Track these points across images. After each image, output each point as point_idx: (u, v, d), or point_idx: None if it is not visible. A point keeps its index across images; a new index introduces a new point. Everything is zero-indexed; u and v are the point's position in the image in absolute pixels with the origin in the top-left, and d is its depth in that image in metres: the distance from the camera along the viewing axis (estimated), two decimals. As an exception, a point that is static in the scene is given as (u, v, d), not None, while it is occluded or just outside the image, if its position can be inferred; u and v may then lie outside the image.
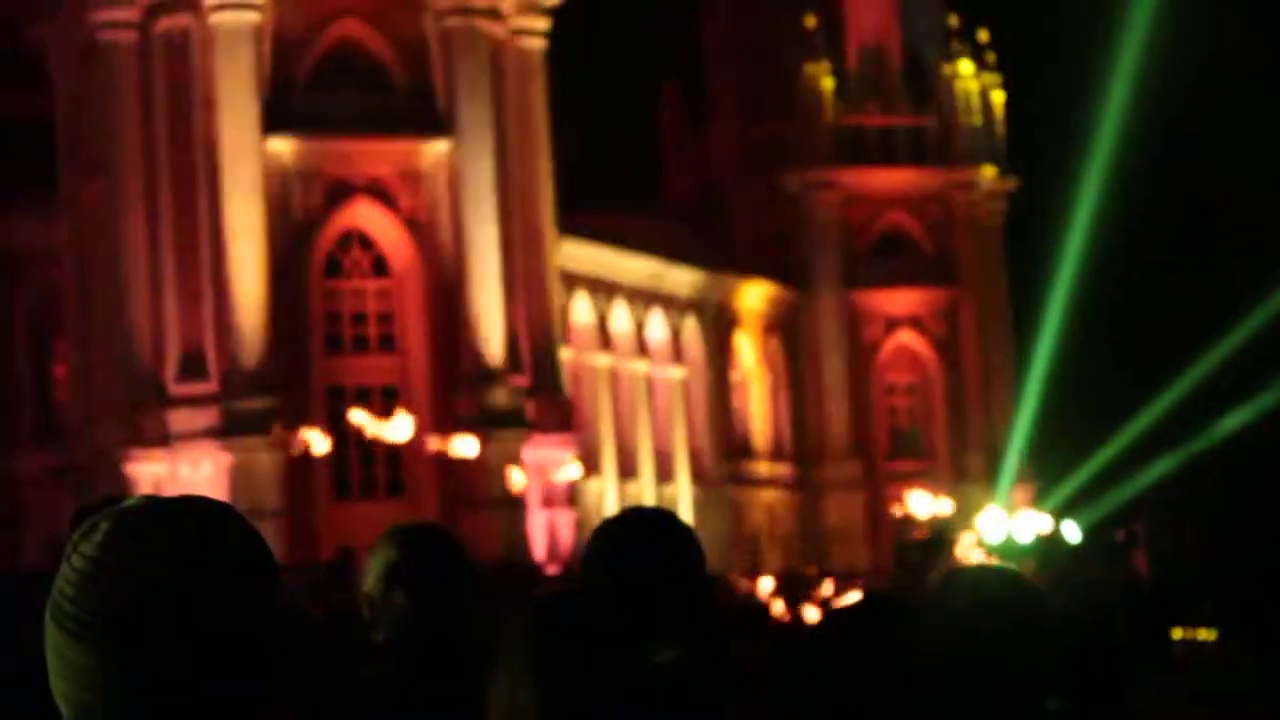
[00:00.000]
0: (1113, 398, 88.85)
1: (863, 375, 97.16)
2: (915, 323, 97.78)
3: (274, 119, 72.09)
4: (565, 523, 72.78)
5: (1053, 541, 77.95)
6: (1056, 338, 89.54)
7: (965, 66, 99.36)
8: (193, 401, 69.40)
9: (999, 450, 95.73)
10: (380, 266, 74.00)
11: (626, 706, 4.15)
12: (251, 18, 71.92)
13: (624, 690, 4.15)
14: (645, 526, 5.87)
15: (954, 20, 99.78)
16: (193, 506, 2.63)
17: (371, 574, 6.68)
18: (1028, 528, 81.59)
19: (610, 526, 5.92)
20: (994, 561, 58.15)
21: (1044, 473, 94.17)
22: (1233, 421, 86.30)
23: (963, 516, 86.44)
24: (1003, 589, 5.37)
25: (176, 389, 69.45)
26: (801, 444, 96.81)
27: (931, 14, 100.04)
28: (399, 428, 69.46)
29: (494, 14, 74.76)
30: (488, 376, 72.97)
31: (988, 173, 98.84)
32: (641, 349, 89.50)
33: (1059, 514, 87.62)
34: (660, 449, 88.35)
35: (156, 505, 2.62)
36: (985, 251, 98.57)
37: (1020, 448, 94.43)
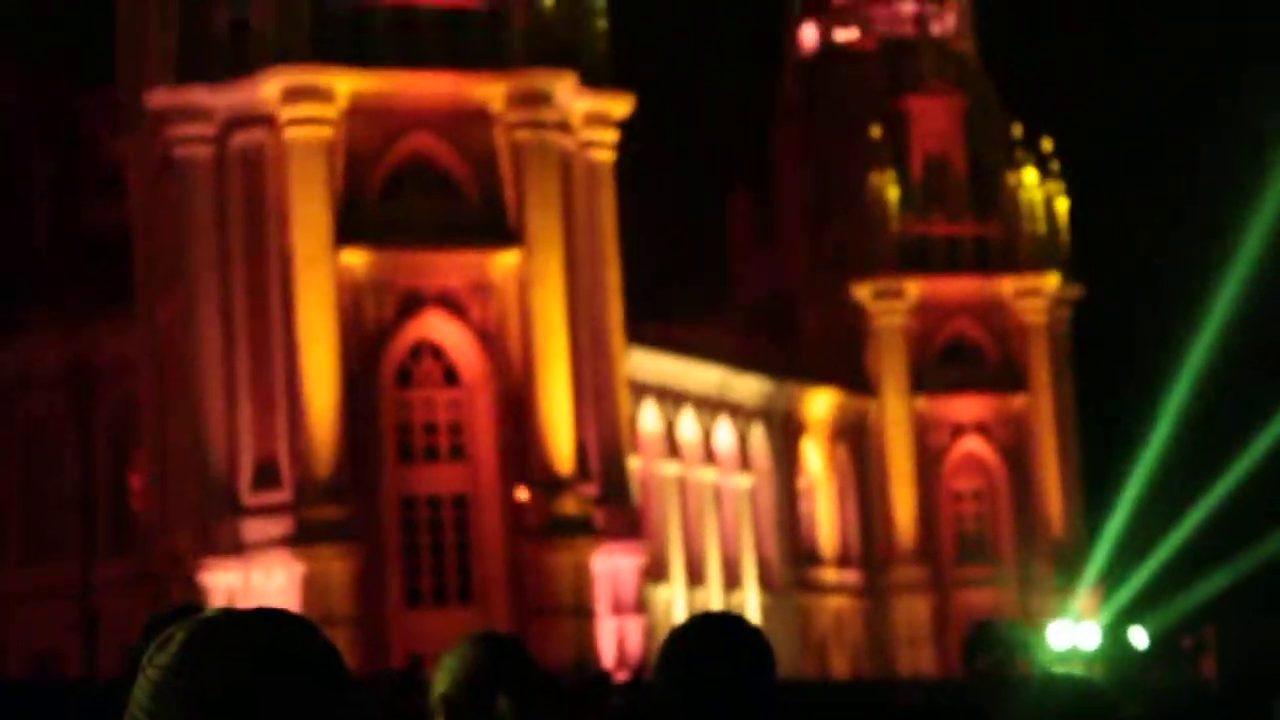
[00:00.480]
0: (1179, 501, 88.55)
1: (929, 481, 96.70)
2: (982, 429, 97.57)
3: (346, 231, 72.15)
4: (634, 630, 72.36)
5: (1121, 647, 77.32)
6: (1132, 446, 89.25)
7: (1029, 175, 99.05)
8: (266, 511, 69.34)
9: (1065, 556, 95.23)
10: (451, 376, 74.02)
11: None
12: (324, 132, 72.14)
13: None
14: (716, 632, 5.68)
15: (1018, 130, 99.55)
16: (266, 618, 2.63)
17: (451, 678, 6.42)
18: (1094, 634, 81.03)
19: (681, 632, 5.71)
20: (1065, 669, 57.55)
21: (1111, 577, 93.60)
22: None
23: (1029, 621, 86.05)
24: (1081, 700, 5.34)
25: (250, 499, 69.33)
26: (868, 550, 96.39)
27: (995, 124, 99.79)
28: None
29: (563, 127, 74.83)
30: (557, 485, 72.90)
31: (1052, 280, 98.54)
32: (709, 457, 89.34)
33: (1126, 619, 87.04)
34: (728, 556, 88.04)
35: (230, 617, 2.63)
36: (1052, 358, 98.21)
37: (1093, 555, 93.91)
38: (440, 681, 6.35)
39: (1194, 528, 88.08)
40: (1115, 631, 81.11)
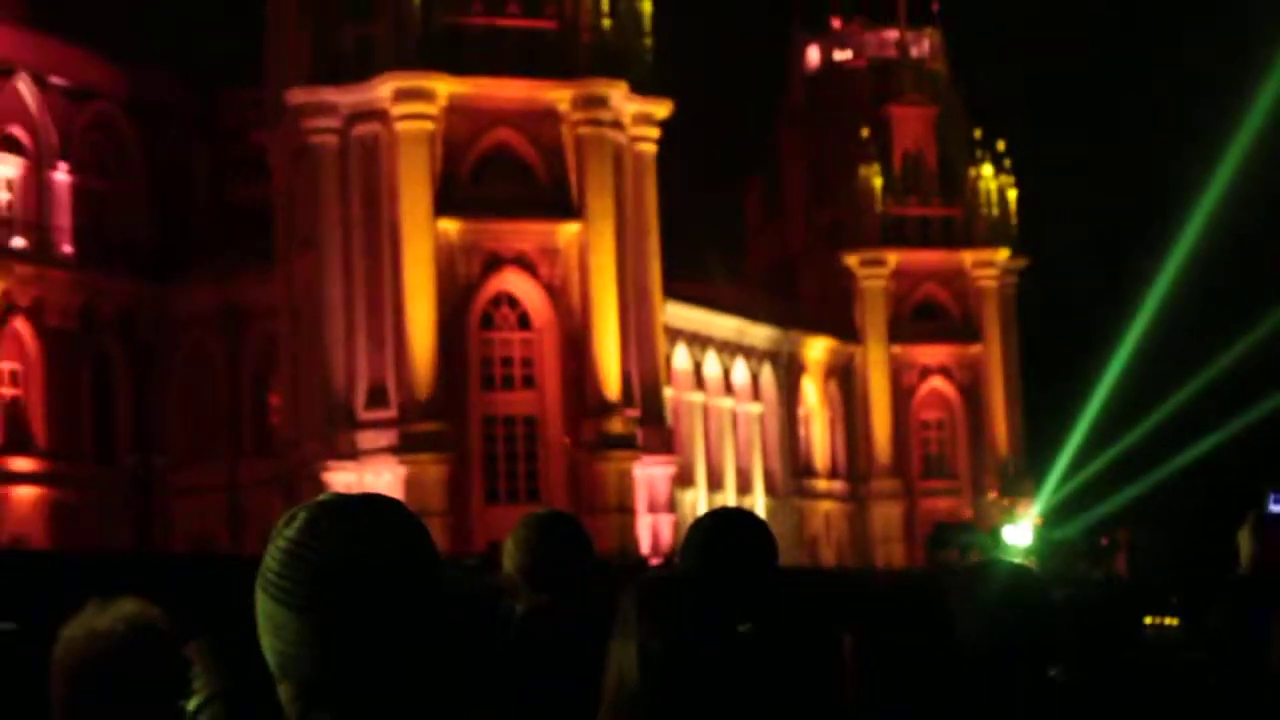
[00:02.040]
0: (1108, 424, 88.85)
1: (902, 413, 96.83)
2: (944, 371, 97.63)
3: (443, 205, 72.31)
4: (665, 525, 72.87)
5: (1051, 543, 77.84)
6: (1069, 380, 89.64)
7: (987, 169, 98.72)
8: (377, 425, 69.83)
9: (1008, 472, 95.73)
10: (524, 322, 74.26)
11: (710, 664, 4.19)
12: (427, 125, 72.37)
13: (709, 652, 4.21)
14: (731, 520, 5.85)
15: (978, 133, 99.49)
16: (374, 501, 2.82)
17: (511, 556, 6.43)
18: (1029, 533, 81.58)
19: (702, 521, 5.84)
20: (1007, 559, 57.92)
21: (1047, 488, 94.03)
22: (1205, 446, 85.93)
23: (980, 524, 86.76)
24: (1017, 582, 5.43)
25: (364, 415, 69.77)
26: (852, 465, 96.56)
27: (960, 128, 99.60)
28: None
29: (616, 124, 75.01)
30: (607, 409, 73.35)
31: (1002, 253, 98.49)
32: (728, 389, 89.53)
33: (1057, 521, 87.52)
34: (740, 468, 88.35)
35: (346, 499, 2.82)
36: (1001, 316, 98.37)
37: (1033, 470, 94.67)
38: (508, 559, 6.25)
39: (1116, 452, 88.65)
40: (1048, 532, 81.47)
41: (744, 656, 4.46)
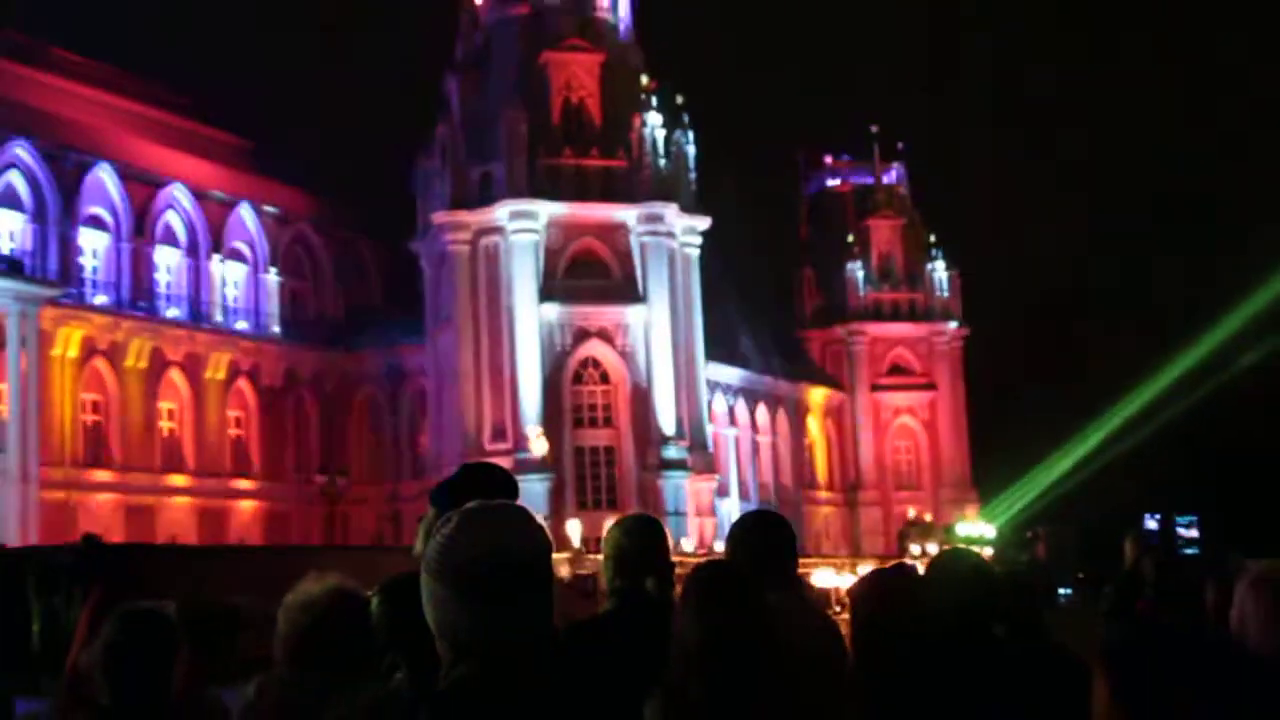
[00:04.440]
0: (1033, 450, 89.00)
1: (880, 442, 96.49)
2: (911, 411, 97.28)
3: (544, 294, 72.32)
4: (709, 526, 72.60)
5: (998, 537, 78.41)
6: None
7: (940, 264, 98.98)
8: (498, 454, 69.48)
9: (958, 484, 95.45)
10: (604, 378, 74.01)
11: (747, 626, 4.24)
12: (533, 237, 72.38)
13: (746, 616, 4.28)
14: (764, 520, 5.88)
15: (932, 238, 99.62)
16: (503, 509, 2.97)
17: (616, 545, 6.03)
18: (978, 528, 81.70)
19: (746, 520, 5.89)
20: (961, 548, 58.06)
21: (989, 496, 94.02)
22: (1098, 469, 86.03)
23: (938, 521, 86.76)
24: (969, 563, 5.52)
25: (489, 446, 69.03)
26: (844, 481, 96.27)
27: (919, 235, 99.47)
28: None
29: (669, 235, 74.86)
30: (664, 440, 73.30)
31: (951, 326, 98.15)
32: (753, 426, 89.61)
33: (994, 520, 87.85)
34: (762, 483, 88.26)
35: (482, 507, 2.94)
36: (950, 370, 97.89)
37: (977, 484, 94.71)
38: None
39: (1036, 471, 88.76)
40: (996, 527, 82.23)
41: (770, 621, 4.46)
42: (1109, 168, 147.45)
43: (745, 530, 5.74)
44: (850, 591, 5.72)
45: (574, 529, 60.95)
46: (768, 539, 5.64)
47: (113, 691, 4.58)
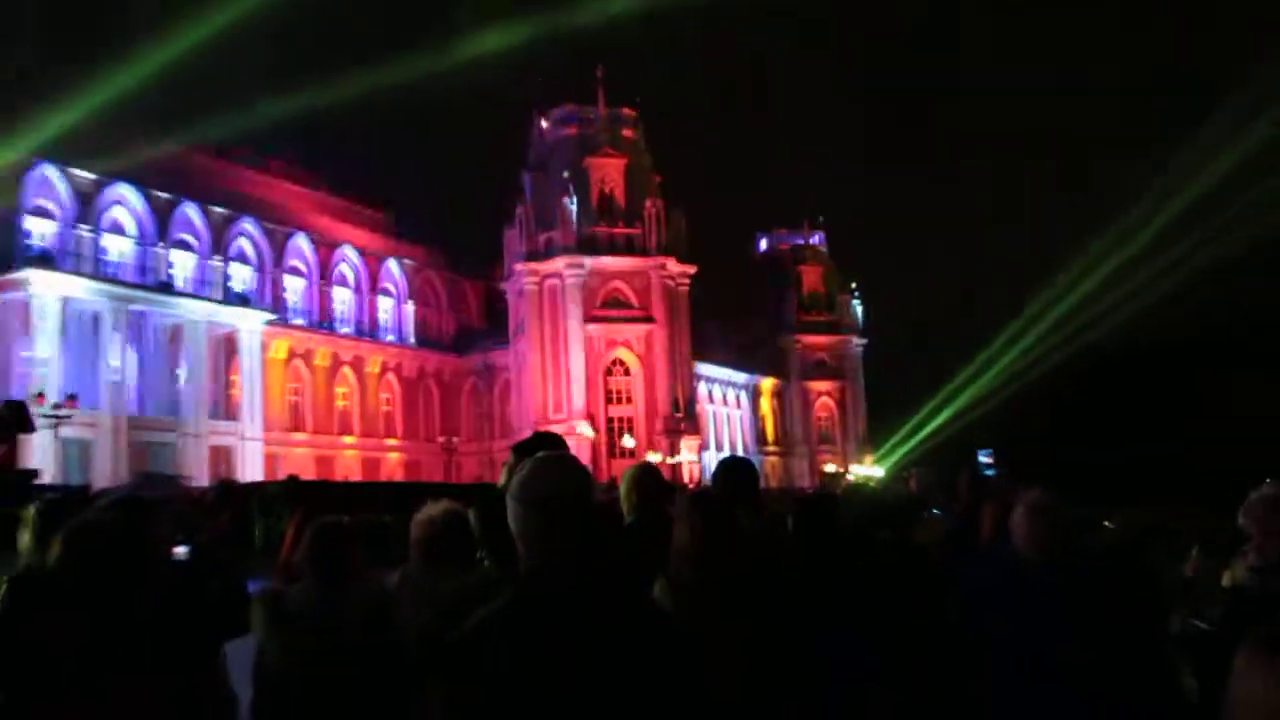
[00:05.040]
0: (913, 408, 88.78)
1: (807, 415, 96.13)
2: (829, 395, 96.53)
3: (588, 317, 72.64)
4: (696, 469, 72.29)
5: (882, 477, 77.84)
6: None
7: (853, 302, 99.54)
8: (557, 422, 68.86)
9: (862, 441, 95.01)
10: (626, 372, 74.24)
11: (722, 532, 4.06)
12: (581, 279, 72.66)
13: (721, 525, 4.10)
14: (738, 462, 5.54)
15: (852, 283, 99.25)
16: (563, 456, 2.81)
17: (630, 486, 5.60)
18: (873, 471, 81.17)
19: (724, 462, 5.60)
20: (860, 480, 57.66)
21: (880, 447, 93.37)
22: (949, 420, 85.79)
23: (846, 468, 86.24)
24: (870, 491, 5.31)
25: (551, 417, 68.99)
26: (785, 441, 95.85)
27: (838, 277, 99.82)
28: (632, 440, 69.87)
29: (671, 277, 75.10)
30: (668, 416, 73.50)
31: (856, 338, 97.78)
32: (725, 402, 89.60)
33: (884, 463, 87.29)
34: (731, 441, 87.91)
35: (550, 455, 2.78)
36: (853, 366, 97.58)
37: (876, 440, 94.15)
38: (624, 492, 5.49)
39: (911, 429, 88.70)
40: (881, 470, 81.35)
41: (746, 534, 4.32)
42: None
43: (724, 470, 5.58)
44: (793, 511, 5.47)
45: (608, 473, 60.81)
46: (739, 475, 5.47)
47: (315, 572, 4.38)
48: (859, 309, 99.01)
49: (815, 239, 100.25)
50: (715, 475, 5.78)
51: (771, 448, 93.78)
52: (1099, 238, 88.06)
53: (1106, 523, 9.53)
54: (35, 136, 53.44)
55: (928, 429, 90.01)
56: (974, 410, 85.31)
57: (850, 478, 75.50)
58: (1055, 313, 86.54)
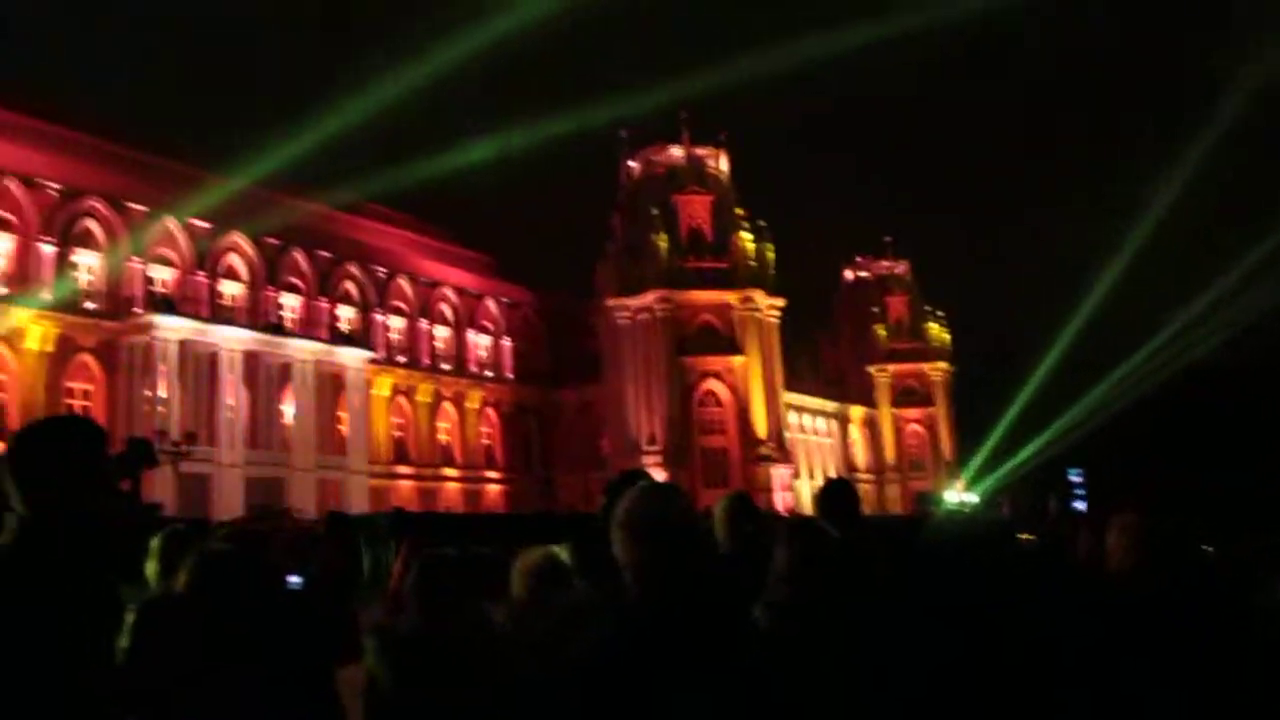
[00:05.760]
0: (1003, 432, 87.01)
1: (900, 442, 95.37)
2: (919, 422, 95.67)
3: (679, 349, 72.92)
4: (790, 498, 71.78)
5: (974, 503, 76.59)
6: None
7: (935, 327, 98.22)
8: (650, 452, 70.20)
9: (950, 467, 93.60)
10: (717, 403, 74.16)
11: (823, 561, 4.00)
12: (671, 312, 73.03)
13: (822, 555, 4.02)
14: (835, 484, 5.75)
15: (933, 311, 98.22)
16: (665, 486, 2.91)
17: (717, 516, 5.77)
18: (965, 496, 79.98)
19: (823, 487, 5.67)
20: (954, 506, 56.99)
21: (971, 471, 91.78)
22: (1037, 450, 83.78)
23: (938, 494, 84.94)
24: (963, 519, 5.25)
25: (644, 448, 69.98)
26: (877, 466, 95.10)
27: (922, 307, 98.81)
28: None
29: (758, 309, 75.07)
30: (759, 443, 73.18)
31: (944, 364, 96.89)
32: (815, 431, 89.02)
33: (976, 488, 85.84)
34: (824, 469, 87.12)
35: (651, 485, 2.85)
36: (945, 394, 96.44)
37: (963, 466, 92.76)
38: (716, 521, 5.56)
39: (1000, 454, 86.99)
40: (973, 495, 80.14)
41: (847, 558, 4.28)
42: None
43: (824, 493, 5.63)
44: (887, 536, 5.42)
45: (702, 503, 60.47)
46: (839, 498, 5.52)
47: (422, 603, 4.41)
48: (946, 335, 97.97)
49: (900, 268, 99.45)
50: (817, 498, 5.72)
51: (863, 475, 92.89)
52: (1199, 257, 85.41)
53: (1208, 548, 9.06)
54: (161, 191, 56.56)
55: (1023, 453, 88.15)
56: (1068, 434, 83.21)
57: (942, 504, 74.43)
58: (1156, 336, 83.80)
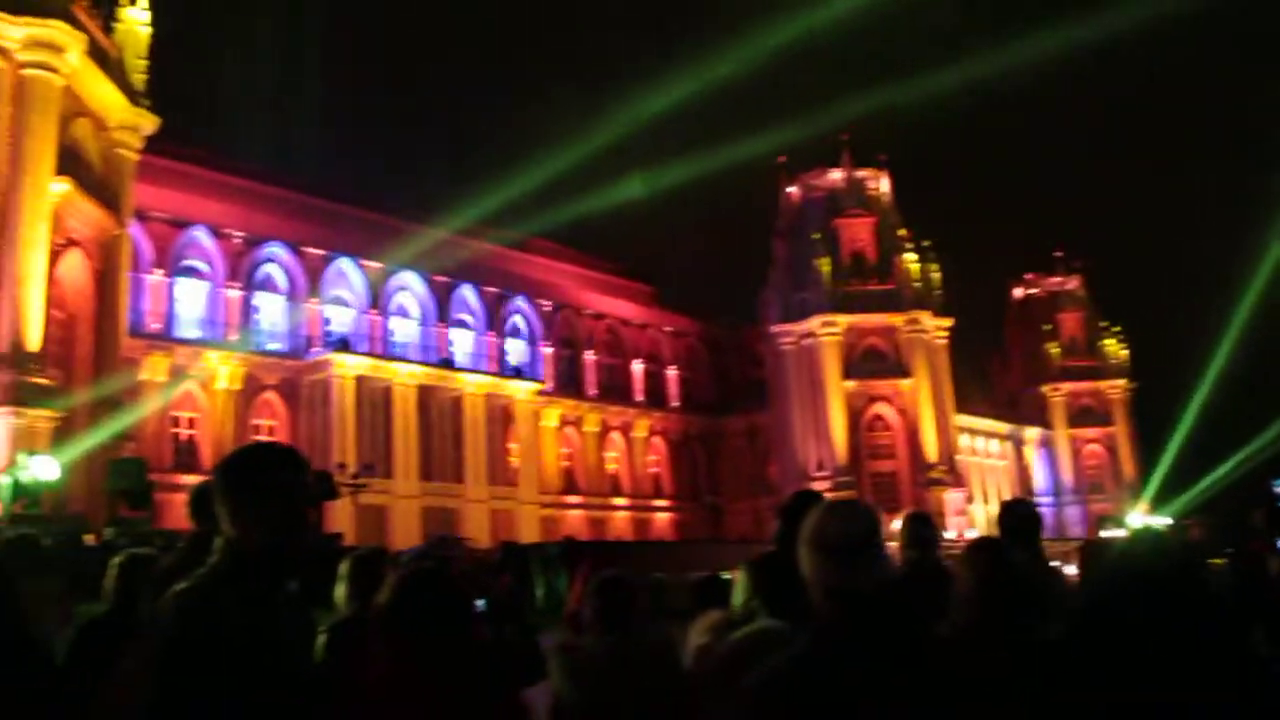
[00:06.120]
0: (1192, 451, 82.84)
1: (1077, 463, 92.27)
2: (1093, 442, 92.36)
3: (845, 374, 72.05)
4: (963, 522, 70.54)
5: (1161, 525, 73.19)
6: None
7: (1112, 343, 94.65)
8: (819, 479, 68.94)
9: (1132, 488, 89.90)
10: (888, 427, 73.09)
11: (1004, 580, 3.96)
12: (836, 337, 72.29)
13: (1003, 574, 3.97)
14: (1015, 504, 5.65)
15: (1107, 324, 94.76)
16: (851, 502, 2.79)
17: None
18: (1148, 520, 76.58)
19: (1003, 505, 5.64)
20: (1145, 529, 54.62)
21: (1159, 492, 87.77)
22: (1231, 469, 79.45)
23: (1122, 516, 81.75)
24: (1152, 539, 5.13)
25: (813, 474, 68.95)
26: (1056, 488, 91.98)
27: (1096, 320, 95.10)
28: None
29: (925, 331, 73.81)
30: (930, 467, 71.78)
31: (1123, 382, 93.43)
32: (987, 453, 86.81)
33: (1165, 509, 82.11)
34: (998, 492, 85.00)
35: (837, 500, 2.80)
36: (1127, 415, 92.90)
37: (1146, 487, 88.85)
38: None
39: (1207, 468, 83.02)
40: (1161, 517, 76.64)
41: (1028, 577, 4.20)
42: None
43: (1006, 511, 5.57)
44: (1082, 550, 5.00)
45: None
46: (1019, 517, 5.47)
47: (602, 622, 4.59)
48: (1124, 351, 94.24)
49: (1072, 283, 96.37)
50: (999, 517, 5.64)
51: (1041, 498, 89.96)
52: None
53: None
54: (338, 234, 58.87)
55: (1219, 469, 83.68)
56: (1272, 444, 78.55)
57: (1126, 526, 71.49)
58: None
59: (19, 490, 28.47)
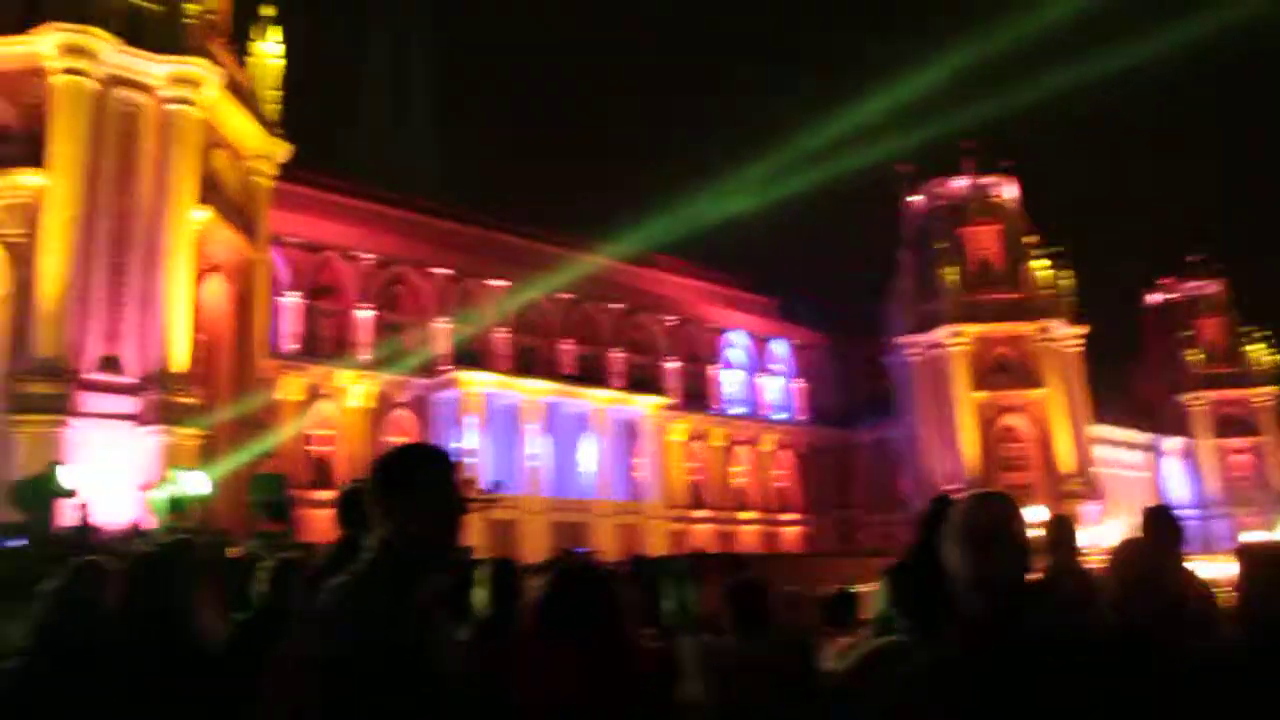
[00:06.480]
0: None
1: (1223, 475, 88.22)
2: (1244, 451, 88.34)
3: (976, 385, 70.50)
4: (1103, 534, 68.31)
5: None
6: None
7: (1257, 347, 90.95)
8: (951, 491, 67.74)
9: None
10: (1019, 438, 71.36)
11: (1145, 584, 3.90)
12: (964, 347, 70.94)
13: (1144, 578, 3.95)
14: (1158, 510, 5.54)
15: (1252, 330, 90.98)
16: (996, 494, 2.72)
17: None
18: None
19: (1146, 511, 5.59)
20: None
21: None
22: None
23: (1274, 530, 78.20)
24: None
25: (944, 487, 66.61)
26: (1200, 500, 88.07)
27: (1236, 324, 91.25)
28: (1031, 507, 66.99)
29: (1055, 340, 72.06)
30: (1064, 478, 69.85)
31: (1271, 389, 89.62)
32: (1124, 464, 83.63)
33: None
34: (1142, 503, 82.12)
35: (983, 492, 2.69)
36: (1269, 418, 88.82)
37: None
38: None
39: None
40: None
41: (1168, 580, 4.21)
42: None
43: (1150, 516, 5.50)
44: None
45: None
46: (1163, 524, 5.41)
47: (738, 622, 4.71)
48: (1272, 357, 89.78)
49: (1211, 287, 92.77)
50: (1144, 524, 5.62)
51: (1184, 511, 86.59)
52: None
53: None
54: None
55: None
56: None
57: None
58: None
59: (174, 504, 29.64)
